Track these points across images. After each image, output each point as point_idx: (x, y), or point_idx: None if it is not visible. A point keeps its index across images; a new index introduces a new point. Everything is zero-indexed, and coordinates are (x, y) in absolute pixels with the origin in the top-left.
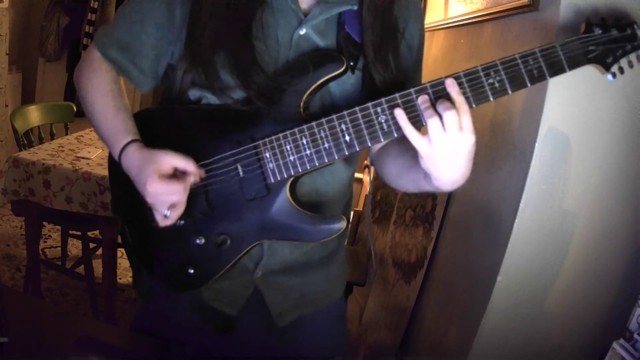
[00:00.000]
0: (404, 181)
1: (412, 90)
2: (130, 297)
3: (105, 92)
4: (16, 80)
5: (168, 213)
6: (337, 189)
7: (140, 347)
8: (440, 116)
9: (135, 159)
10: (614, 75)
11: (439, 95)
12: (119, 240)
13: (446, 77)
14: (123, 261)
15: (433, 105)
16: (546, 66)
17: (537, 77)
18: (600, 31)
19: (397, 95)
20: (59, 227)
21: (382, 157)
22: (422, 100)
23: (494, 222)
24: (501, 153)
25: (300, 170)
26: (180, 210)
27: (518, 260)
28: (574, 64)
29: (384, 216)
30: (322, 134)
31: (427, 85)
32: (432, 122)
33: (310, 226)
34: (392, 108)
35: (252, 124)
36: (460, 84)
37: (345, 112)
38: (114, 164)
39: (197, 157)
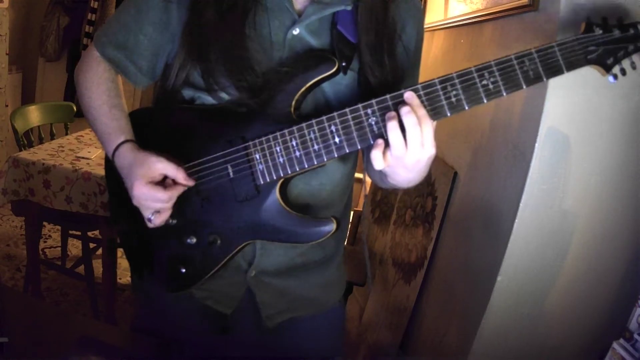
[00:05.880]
0: (375, 176)
1: (403, 91)
2: (130, 297)
3: (102, 90)
4: (16, 80)
5: (152, 217)
6: (332, 189)
7: (140, 347)
8: (402, 129)
9: (127, 159)
10: (615, 77)
11: (428, 98)
12: (119, 240)
13: (438, 78)
14: (123, 261)
15: (399, 118)
16: (543, 67)
17: (533, 78)
18: (601, 31)
19: (387, 96)
20: (59, 227)
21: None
22: (389, 116)
23: (494, 222)
24: (501, 153)
25: (289, 172)
26: (164, 216)
27: (518, 260)
28: (572, 65)
29: (384, 216)
30: (312, 136)
31: (419, 86)
32: (393, 135)
33: (300, 228)
34: (382, 110)
35: (243, 124)
36: (452, 85)
37: (335, 114)
38: (109, 163)
39: (188, 156)
